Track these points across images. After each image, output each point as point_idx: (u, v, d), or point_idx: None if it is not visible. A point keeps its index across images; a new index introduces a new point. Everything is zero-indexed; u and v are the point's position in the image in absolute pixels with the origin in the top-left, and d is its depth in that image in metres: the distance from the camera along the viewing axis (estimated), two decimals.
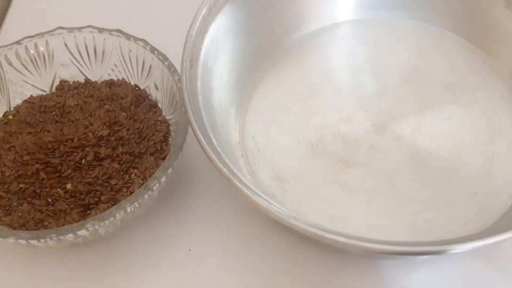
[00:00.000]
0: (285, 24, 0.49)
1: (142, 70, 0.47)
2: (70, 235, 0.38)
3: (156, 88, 0.47)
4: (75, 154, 0.42)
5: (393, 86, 0.47)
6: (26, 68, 0.48)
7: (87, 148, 0.42)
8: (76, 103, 0.46)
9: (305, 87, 0.47)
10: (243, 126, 0.46)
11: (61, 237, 0.38)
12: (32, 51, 0.47)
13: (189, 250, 0.44)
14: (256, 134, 0.45)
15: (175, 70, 0.44)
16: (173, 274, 0.43)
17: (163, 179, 0.40)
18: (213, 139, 0.37)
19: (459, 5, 0.48)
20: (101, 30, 0.47)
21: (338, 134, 0.44)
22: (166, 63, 0.45)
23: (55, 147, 0.42)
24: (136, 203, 0.39)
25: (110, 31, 0.47)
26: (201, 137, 0.36)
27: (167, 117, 0.46)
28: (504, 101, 0.45)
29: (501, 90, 0.46)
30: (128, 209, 0.39)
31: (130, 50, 0.47)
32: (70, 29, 0.47)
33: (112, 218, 0.38)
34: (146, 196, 0.39)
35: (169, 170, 0.40)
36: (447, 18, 0.49)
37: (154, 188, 0.40)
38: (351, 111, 0.46)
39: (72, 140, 0.42)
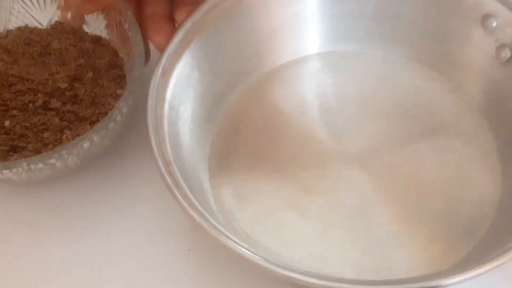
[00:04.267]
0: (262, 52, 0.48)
1: None
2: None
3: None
4: (27, 95, 0.42)
5: (370, 119, 0.46)
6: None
7: (40, 94, 0.42)
8: (59, 47, 0.46)
9: (280, 114, 0.47)
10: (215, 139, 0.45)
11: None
12: None
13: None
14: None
15: None
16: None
17: (125, 110, 0.39)
18: (168, 148, 0.37)
19: (438, 43, 0.46)
20: None
21: (308, 162, 0.44)
22: None
23: (14, 82, 0.43)
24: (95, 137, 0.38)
25: None
26: (153, 143, 0.37)
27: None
28: (479, 152, 0.44)
29: (480, 140, 0.44)
30: (95, 139, 0.38)
31: None
32: None
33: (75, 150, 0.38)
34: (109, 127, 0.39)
35: (130, 100, 0.39)
36: (428, 55, 0.47)
37: (117, 118, 0.39)
38: (324, 141, 0.45)
39: (33, 81, 0.43)
